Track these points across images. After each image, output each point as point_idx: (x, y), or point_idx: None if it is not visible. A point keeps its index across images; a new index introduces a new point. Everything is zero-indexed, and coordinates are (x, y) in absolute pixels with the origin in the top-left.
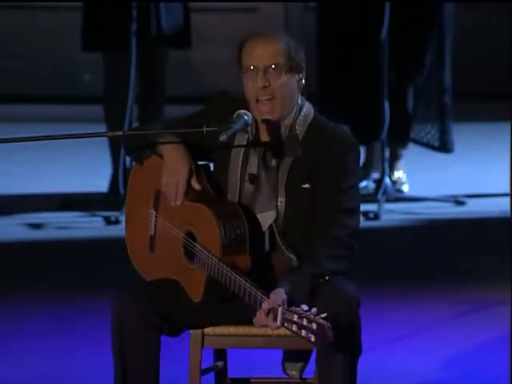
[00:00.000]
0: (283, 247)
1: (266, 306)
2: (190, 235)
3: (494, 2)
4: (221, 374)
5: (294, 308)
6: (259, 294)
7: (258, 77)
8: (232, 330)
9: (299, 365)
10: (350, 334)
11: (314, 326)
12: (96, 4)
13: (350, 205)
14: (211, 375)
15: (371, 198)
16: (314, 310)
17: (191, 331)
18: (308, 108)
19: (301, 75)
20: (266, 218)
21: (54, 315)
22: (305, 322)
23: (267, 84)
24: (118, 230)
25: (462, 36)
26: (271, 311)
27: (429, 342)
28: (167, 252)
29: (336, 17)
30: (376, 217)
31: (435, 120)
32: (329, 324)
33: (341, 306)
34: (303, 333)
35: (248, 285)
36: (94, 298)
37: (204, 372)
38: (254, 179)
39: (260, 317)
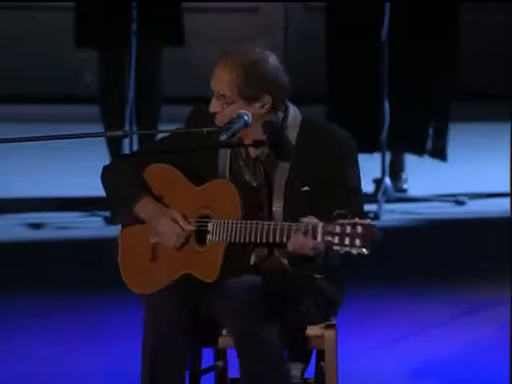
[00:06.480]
0: (278, 254)
1: (305, 220)
2: (203, 217)
3: (493, 1)
4: (221, 374)
5: (334, 221)
6: (287, 224)
7: (212, 101)
8: None
9: (300, 365)
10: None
11: (360, 229)
12: (93, 1)
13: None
14: (211, 375)
15: (371, 198)
16: (356, 219)
17: None
18: (293, 111)
19: (261, 103)
20: None
21: (54, 315)
22: (348, 230)
23: (217, 110)
24: (118, 230)
25: (462, 36)
26: (309, 230)
27: (429, 342)
28: (173, 250)
29: (336, 17)
30: (376, 217)
31: (431, 123)
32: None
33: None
34: (347, 241)
35: (273, 223)
36: (94, 298)
37: (204, 372)
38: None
39: (297, 237)
